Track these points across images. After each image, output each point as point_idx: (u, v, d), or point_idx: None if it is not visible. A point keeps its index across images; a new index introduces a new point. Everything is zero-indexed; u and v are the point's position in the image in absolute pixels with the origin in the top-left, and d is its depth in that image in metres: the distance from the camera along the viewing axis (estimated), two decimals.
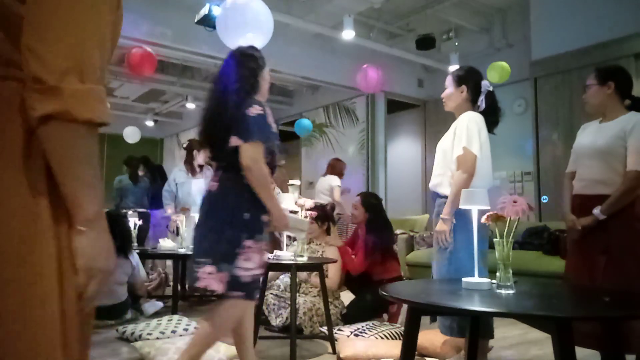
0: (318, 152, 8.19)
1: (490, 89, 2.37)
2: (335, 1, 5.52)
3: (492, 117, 2.35)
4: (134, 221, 4.27)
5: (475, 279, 1.72)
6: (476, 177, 2.19)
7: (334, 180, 5.93)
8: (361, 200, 3.58)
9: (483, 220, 1.69)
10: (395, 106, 7.79)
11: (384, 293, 1.60)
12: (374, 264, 3.39)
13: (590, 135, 2.36)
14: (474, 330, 2.05)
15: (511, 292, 1.59)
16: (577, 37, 5.00)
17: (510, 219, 1.62)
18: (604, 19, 4.85)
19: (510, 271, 1.62)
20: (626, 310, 1.45)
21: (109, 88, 8.72)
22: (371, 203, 3.59)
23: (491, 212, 1.67)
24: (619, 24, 4.73)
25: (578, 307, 1.53)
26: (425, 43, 5.87)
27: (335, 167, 6.06)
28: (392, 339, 2.85)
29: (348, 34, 5.48)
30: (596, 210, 2.21)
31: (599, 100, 2.35)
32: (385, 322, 3.25)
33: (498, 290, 1.61)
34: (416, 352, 1.71)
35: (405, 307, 2.50)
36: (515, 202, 1.62)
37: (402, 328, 2.49)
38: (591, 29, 4.91)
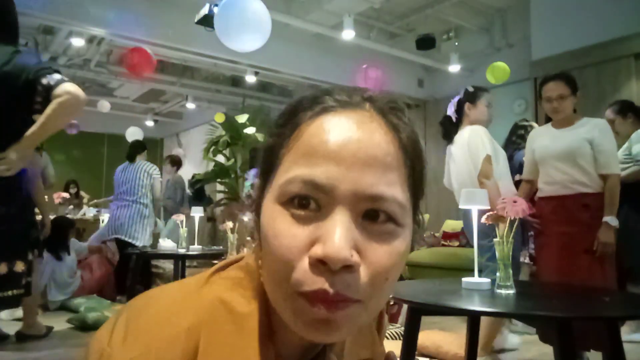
0: None
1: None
2: (335, 1, 5.52)
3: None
4: None
5: (475, 279, 1.72)
6: None
7: None
8: None
9: (483, 220, 1.69)
10: None
11: None
12: None
13: (554, 140, 2.42)
14: (474, 330, 2.05)
15: (511, 292, 1.59)
16: (577, 37, 5.00)
17: (510, 218, 1.62)
18: (604, 19, 4.85)
19: (510, 271, 1.62)
20: (626, 310, 1.45)
21: (109, 88, 8.71)
22: None
23: (491, 212, 1.67)
24: (619, 24, 4.73)
25: (578, 307, 1.53)
26: (425, 43, 5.87)
27: None
28: (392, 339, 2.85)
29: (348, 34, 5.48)
30: (612, 222, 2.24)
31: (571, 109, 2.41)
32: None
33: (498, 290, 1.61)
34: (416, 352, 1.71)
35: (405, 307, 2.50)
36: (515, 202, 1.62)
37: (402, 328, 2.49)
38: (591, 29, 4.90)
